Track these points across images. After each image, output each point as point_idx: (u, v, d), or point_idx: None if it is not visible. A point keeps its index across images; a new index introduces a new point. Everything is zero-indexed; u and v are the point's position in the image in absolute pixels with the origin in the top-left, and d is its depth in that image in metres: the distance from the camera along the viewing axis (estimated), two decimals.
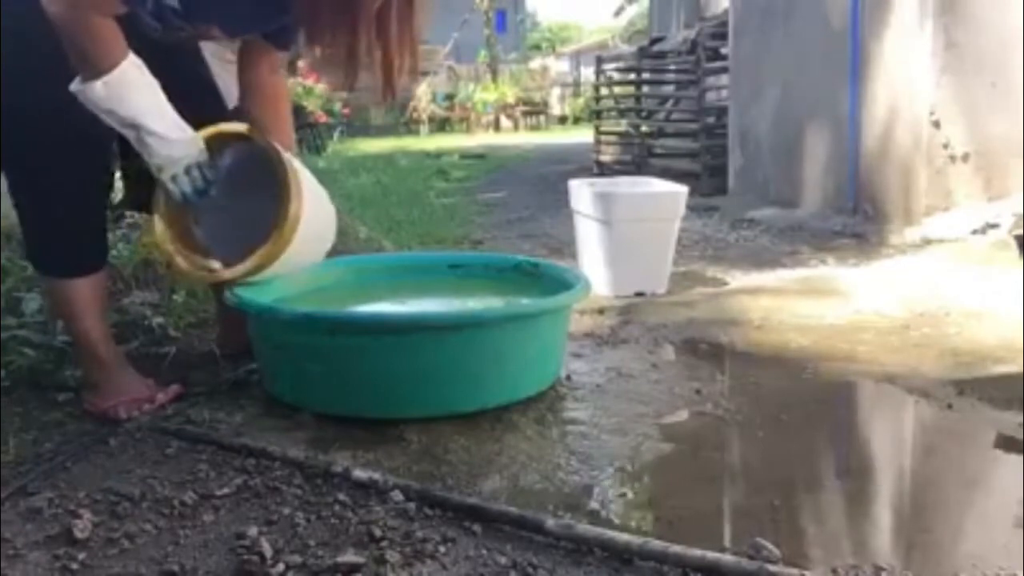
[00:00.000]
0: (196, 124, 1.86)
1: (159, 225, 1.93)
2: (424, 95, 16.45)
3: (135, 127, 1.74)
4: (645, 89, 8.55)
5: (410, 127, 16.12)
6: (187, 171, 1.83)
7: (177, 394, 2.00)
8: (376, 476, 1.55)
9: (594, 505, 1.52)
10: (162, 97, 1.76)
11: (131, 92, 1.71)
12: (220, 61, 2.28)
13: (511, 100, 17.65)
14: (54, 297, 2.02)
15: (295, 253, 1.91)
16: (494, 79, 18.51)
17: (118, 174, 2.17)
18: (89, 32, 1.66)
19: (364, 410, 1.85)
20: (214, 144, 1.91)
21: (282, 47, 2.03)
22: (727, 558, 1.27)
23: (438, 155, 10.07)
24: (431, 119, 16.62)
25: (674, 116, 7.74)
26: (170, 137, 1.77)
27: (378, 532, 1.37)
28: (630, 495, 1.58)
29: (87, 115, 1.72)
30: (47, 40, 1.65)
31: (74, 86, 1.69)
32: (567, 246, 3.75)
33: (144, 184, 1.93)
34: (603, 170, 8.07)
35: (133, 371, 2.03)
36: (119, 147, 1.98)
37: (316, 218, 1.96)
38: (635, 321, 2.79)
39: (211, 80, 2.19)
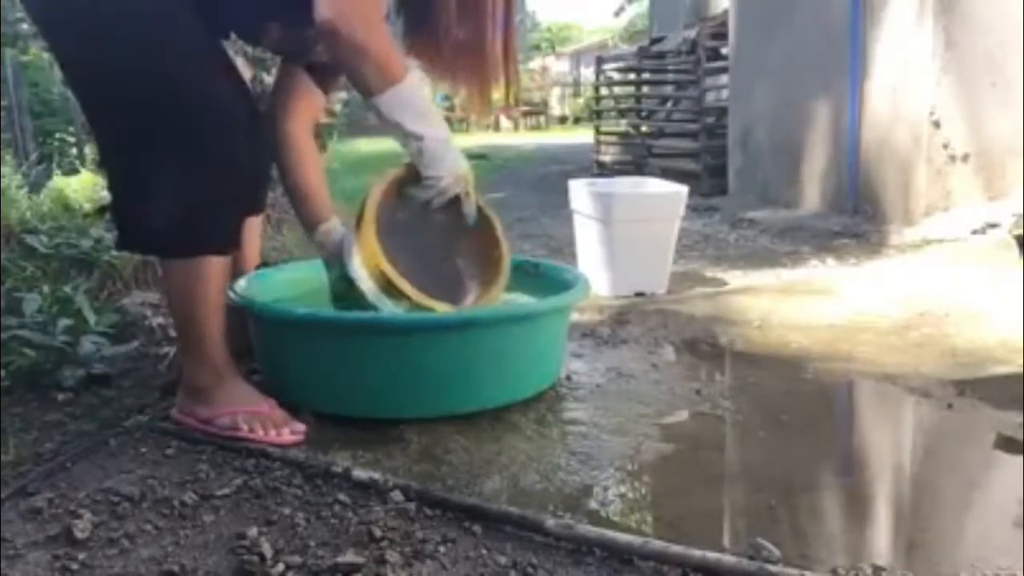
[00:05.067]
0: None
1: (370, 234, 1.81)
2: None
3: (419, 138, 1.76)
4: (645, 89, 8.55)
5: None
6: (455, 183, 1.85)
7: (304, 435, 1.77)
8: (376, 476, 1.55)
9: (594, 505, 1.52)
10: (435, 107, 1.81)
11: (415, 102, 1.75)
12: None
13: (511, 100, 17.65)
14: (177, 283, 1.75)
15: None
16: None
17: None
18: (385, 45, 1.71)
19: (364, 410, 1.85)
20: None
21: (325, 87, 2.03)
22: (727, 558, 1.27)
23: None
24: None
25: (674, 116, 7.74)
26: (447, 148, 1.80)
27: (378, 532, 1.37)
28: (630, 495, 1.58)
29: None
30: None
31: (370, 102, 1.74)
32: (567, 246, 3.75)
33: None
34: (603, 170, 8.08)
35: (244, 382, 1.86)
36: None
37: None
38: (635, 321, 2.79)
39: None
